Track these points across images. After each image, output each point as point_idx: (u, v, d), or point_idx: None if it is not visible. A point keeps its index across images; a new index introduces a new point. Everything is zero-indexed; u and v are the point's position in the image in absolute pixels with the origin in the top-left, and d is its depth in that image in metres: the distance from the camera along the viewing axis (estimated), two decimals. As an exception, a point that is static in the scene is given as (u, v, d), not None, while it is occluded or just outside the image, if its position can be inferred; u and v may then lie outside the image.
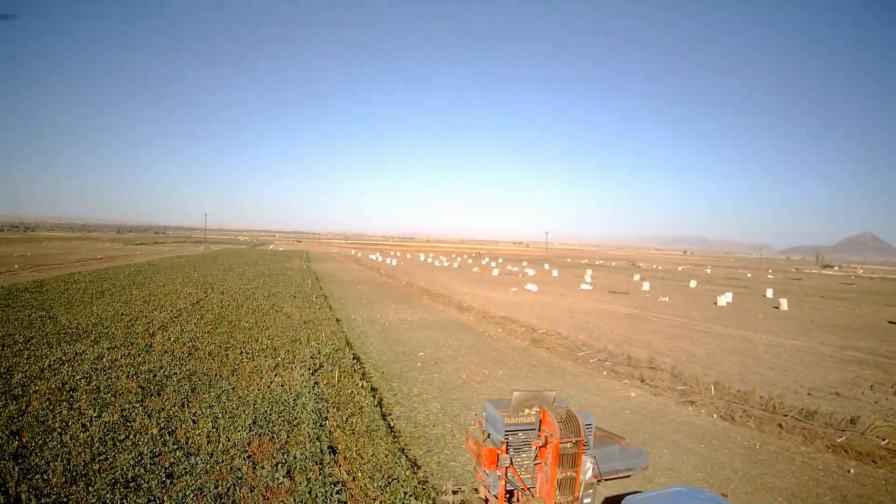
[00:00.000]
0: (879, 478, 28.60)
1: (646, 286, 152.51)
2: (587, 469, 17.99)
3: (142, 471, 22.37)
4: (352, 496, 21.92)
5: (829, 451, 32.22)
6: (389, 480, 23.37)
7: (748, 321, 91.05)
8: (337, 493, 21.61)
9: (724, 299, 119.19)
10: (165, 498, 20.30)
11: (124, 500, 19.77)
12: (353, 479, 23.34)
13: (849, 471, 29.52)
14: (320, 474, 23.23)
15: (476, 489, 19.32)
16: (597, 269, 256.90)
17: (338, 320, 69.18)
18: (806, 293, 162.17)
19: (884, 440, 32.76)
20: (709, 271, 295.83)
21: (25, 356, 39.99)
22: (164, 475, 22.12)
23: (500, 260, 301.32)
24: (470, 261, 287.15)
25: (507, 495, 18.13)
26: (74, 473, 21.66)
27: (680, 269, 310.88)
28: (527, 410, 18.77)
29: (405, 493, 22.20)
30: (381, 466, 24.90)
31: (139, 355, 42.06)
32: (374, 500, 21.69)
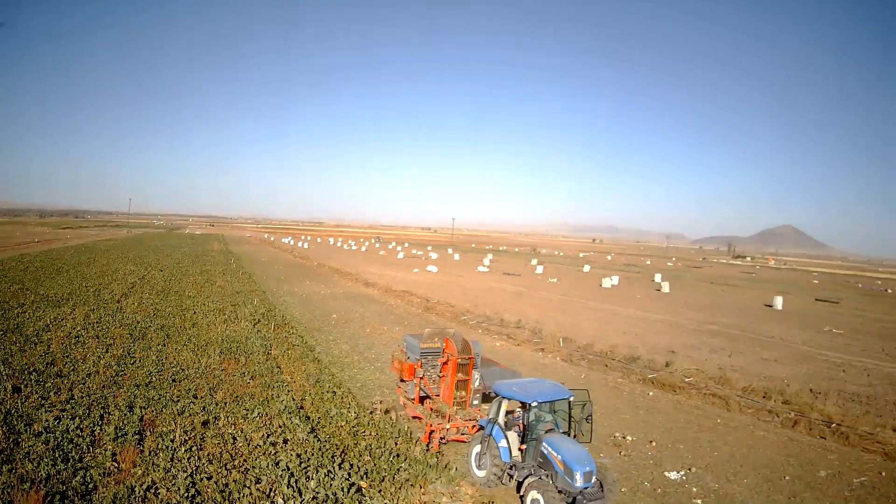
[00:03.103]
0: (672, 399, 42.36)
1: (539, 269, 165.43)
2: (476, 379, 31.00)
3: (153, 378, 34.95)
4: (294, 389, 35.49)
5: (640, 383, 46.15)
6: (317, 380, 37.64)
7: (624, 300, 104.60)
8: (286, 388, 35.13)
9: (610, 282, 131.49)
10: (175, 391, 32.75)
11: (146, 394, 31.80)
12: (294, 381, 37.35)
13: (649, 393, 43.52)
14: (273, 378, 36.85)
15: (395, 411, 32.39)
16: (498, 254, 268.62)
17: (263, 292, 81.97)
18: (697, 279, 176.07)
19: (688, 378, 46.39)
20: (610, 258, 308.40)
21: (27, 316, 50.84)
22: (170, 380, 34.85)
23: (406, 244, 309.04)
24: (378, 244, 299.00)
25: (421, 399, 31.52)
26: (108, 382, 33.89)
27: (581, 255, 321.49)
28: (436, 339, 32.02)
29: (328, 387, 36.44)
30: (310, 375, 38.97)
31: (116, 315, 53.72)
32: (308, 391, 35.21)
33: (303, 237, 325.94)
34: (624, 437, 33.16)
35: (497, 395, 26.40)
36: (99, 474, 21.80)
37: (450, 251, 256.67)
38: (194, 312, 58.09)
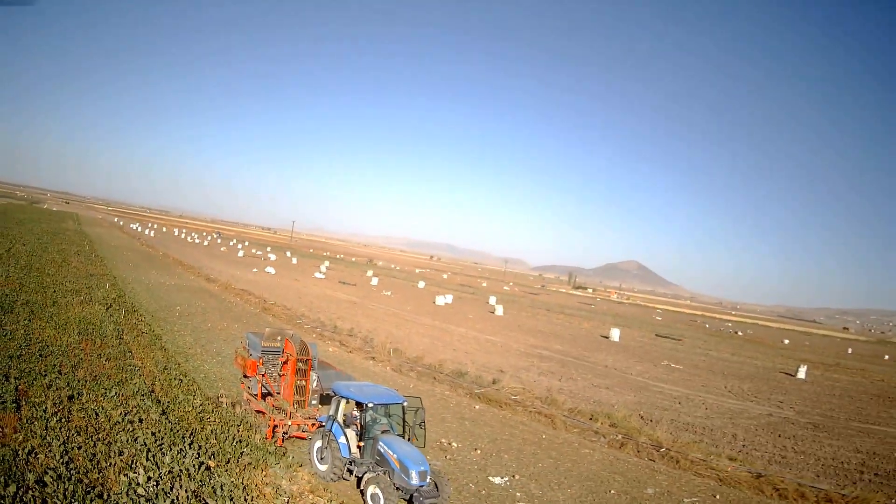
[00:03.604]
0: (497, 414, 46.44)
1: (374, 281, 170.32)
2: (314, 380, 35.14)
3: (23, 352, 38.65)
4: (145, 374, 40.14)
5: (467, 396, 50.24)
6: (164, 368, 42.70)
7: (456, 318, 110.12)
8: (138, 373, 39.87)
9: (444, 300, 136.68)
10: (42, 365, 36.66)
11: (18, 366, 35.42)
12: (145, 367, 42.07)
13: (476, 407, 47.67)
14: (126, 362, 41.57)
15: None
16: (335, 262, 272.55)
17: (114, 277, 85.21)
18: (534, 305, 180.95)
19: (515, 396, 50.70)
20: (445, 276, 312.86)
21: None
22: (38, 354, 38.77)
23: (247, 243, 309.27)
24: (219, 239, 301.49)
25: (263, 396, 35.36)
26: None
27: (417, 271, 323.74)
28: (277, 339, 36.15)
29: (175, 375, 41.43)
30: (158, 362, 43.84)
31: None
32: (157, 377, 40.03)
33: (149, 224, 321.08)
34: (450, 444, 36.20)
35: (336, 395, 29.61)
36: None
37: (288, 254, 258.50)
38: (54, 291, 61.25)
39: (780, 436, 47.81)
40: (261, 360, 34.93)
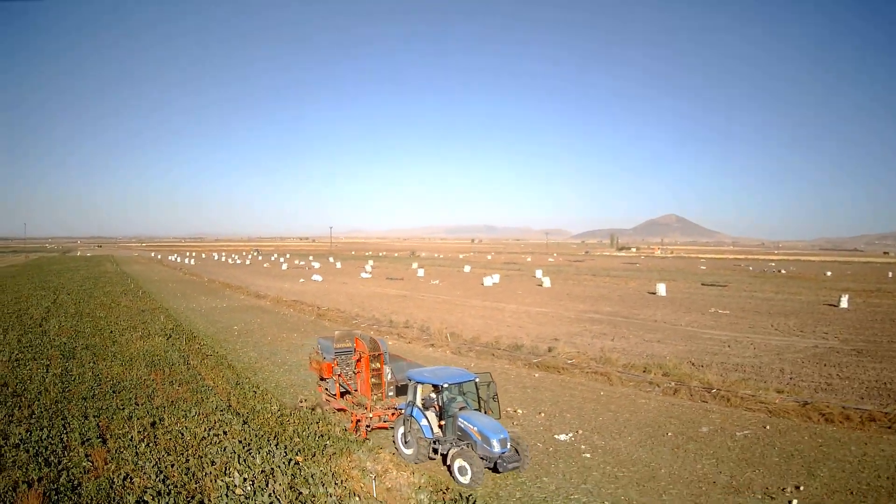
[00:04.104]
0: (556, 379, 48.03)
1: (421, 272, 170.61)
2: (387, 373, 35.92)
3: (95, 391, 40.06)
4: (219, 392, 41.37)
5: (525, 367, 51.64)
6: (236, 383, 43.82)
7: (506, 296, 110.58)
8: (213, 392, 41.12)
9: (491, 280, 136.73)
10: (117, 400, 37.89)
11: (94, 405, 36.64)
12: (217, 385, 43.22)
13: (535, 375, 49.05)
14: (198, 384, 42.79)
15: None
16: (379, 259, 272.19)
17: (166, 309, 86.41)
18: (579, 272, 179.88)
19: (570, 360, 52.11)
20: (490, 258, 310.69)
21: None
22: (111, 391, 40.06)
23: (288, 255, 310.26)
24: (259, 256, 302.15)
25: (341, 395, 36.38)
26: (58, 397, 38.66)
27: (461, 256, 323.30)
28: (347, 340, 37.11)
29: (248, 388, 42.66)
30: (229, 380, 45.04)
31: (43, 338, 57.81)
32: (231, 392, 41.17)
33: (187, 254, 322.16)
34: (515, 411, 37.55)
35: (412, 381, 30.82)
36: (79, 472, 26.01)
37: (331, 259, 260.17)
38: (111, 331, 62.59)
39: (825, 365, 48.26)
40: (335, 362, 36.14)
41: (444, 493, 26.20)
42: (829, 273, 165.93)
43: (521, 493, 26.56)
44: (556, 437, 33.91)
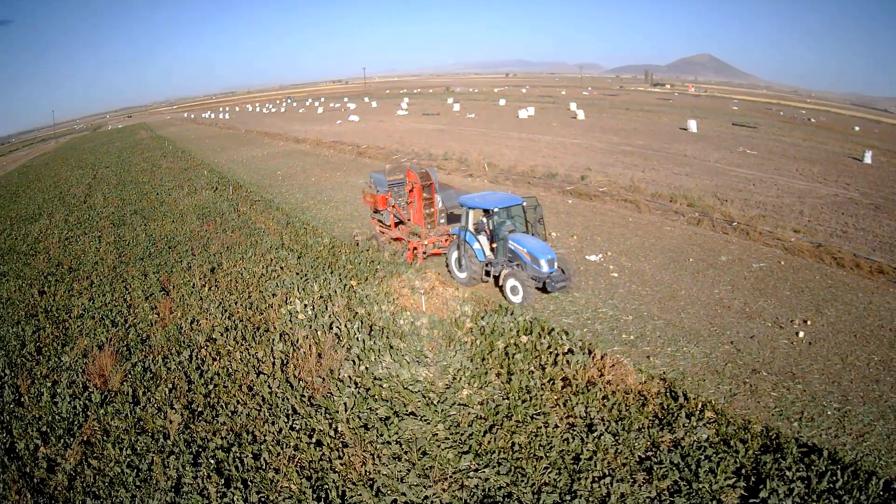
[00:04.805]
0: (588, 205, 49.64)
1: (456, 107, 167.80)
2: (439, 201, 36.90)
3: (151, 251, 41.38)
4: (271, 233, 43.12)
5: (559, 194, 53.27)
6: (287, 223, 45.54)
7: (541, 128, 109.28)
8: (265, 233, 42.86)
9: (526, 113, 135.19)
10: (174, 255, 39.58)
11: (152, 263, 38.54)
12: (268, 227, 44.99)
13: (568, 201, 50.80)
14: (250, 228, 44.53)
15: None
16: (414, 97, 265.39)
17: (208, 164, 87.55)
18: (613, 106, 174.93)
19: (602, 188, 53.56)
20: (524, 91, 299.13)
21: (12, 236, 52.64)
22: (166, 248, 41.56)
23: (322, 99, 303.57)
24: (295, 103, 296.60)
25: (395, 225, 37.55)
26: (115, 263, 40.66)
27: (496, 90, 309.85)
28: (398, 172, 38.19)
29: (299, 226, 44.28)
30: (279, 220, 46.82)
31: (90, 212, 58.32)
32: (282, 232, 42.87)
33: (221, 109, 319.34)
34: (550, 234, 37.24)
35: (464, 207, 31.91)
36: (146, 326, 27.56)
37: (366, 99, 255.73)
38: (157, 194, 63.68)
39: (843, 213, 47.81)
40: (389, 193, 37.19)
41: (484, 305, 28.23)
42: (857, 128, 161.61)
43: (555, 307, 28.57)
44: (587, 257, 36.28)
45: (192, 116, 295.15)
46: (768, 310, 28.26)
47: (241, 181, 68.73)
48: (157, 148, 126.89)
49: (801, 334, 25.27)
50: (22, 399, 22.03)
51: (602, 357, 21.81)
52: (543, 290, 29.18)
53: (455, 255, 32.15)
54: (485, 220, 31.84)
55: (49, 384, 22.53)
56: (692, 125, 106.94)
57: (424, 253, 35.32)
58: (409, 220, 36.84)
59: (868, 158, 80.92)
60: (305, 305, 27.46)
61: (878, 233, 42.84)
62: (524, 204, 31.81)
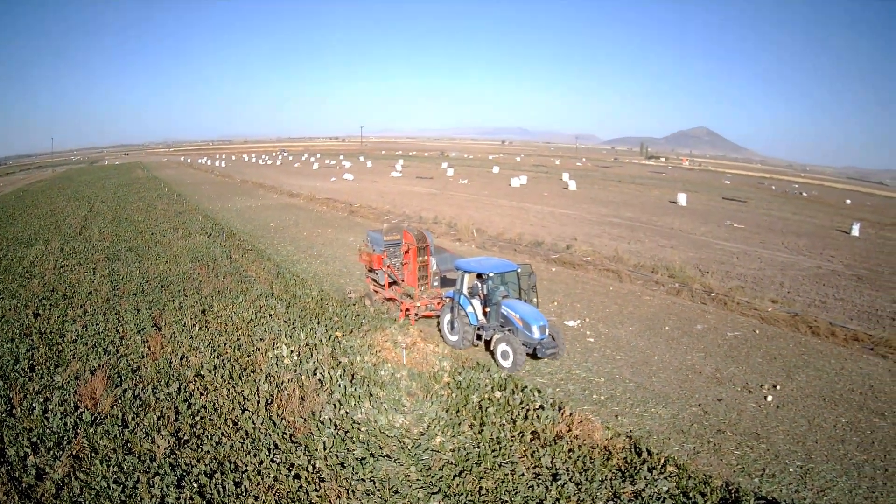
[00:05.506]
0: (571, 273, 50.96)
1: (450, 172, 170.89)
2: (433, 264, 37.84)
3: (144, 288, 42.55)
4: (262, 281, 44.22)
5: (545, 261, 54.46)
6: (277, 274, 46.74)
7: (532, 197, 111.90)
8: (256, 281, 44.06)
9: (518, 181, 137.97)
10: (167, 294, 40.58)
11: (145, 299, 39.40)
12: (259, 276, 46.09)
13: (552, 269, 52.00)
14: (242, 276, 45.67)
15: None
16: (409, 159, 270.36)
17: (202, 210, 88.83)
18: (606, 178, 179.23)
19: (586, 258, 55.03)
20: (519, 159, 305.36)
21: (8, 257, 54.23)
22: (159, 286, 42.58)
23: (318, 155, 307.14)
24: (290, 157, 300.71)
25: (390, 285, 38.32)
26: (109, 296, 41.42)
27: (490, 157, 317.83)
28: (395, 232, 38.98)
29: (289, 278, 45.44)
30: (270, 270, 48.10)
31: (85, 244, 59.60)
32: (272, 282, 43.95)
33: (217, 156, 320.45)
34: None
35: (459, 270, 32.65)
36: (138, 357, 28.37)
37: (361, 159, 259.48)
38: (152, 233, 64.87)
39: (823, 285, 49.50)
40: (385, 253, 37.59)
41: (462, 362, 29.24)
42: (848, 201, 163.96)
43: (531, 367, 29.53)
44: (565, 322, 37.07)
45: (189, 161, 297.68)
46: (739, 375, 29.42)
47: (235, 229, 70.06)
48: (153, 189, 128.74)
49: (770, 398, 26.40)
50: (14, 411, 22.94)
51: (571, 413, 22.96)
52: (534, 356, 29.63)
53: (448, 317, 32.72)
54: (479, 284, 32.61)
55: (41, 400, 23.49)
56: (682, 199, 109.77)
57: (416, 314, 35.78)
58: (403, 280, 37.48)
59: (856, 231, 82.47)
60: (291, 351, 28.58)
61: (857, 302, 44.25)
62: (519, 271, 32.61)
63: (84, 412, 22.38)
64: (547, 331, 29.67)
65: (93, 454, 19.85)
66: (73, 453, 19.93)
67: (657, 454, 20.70)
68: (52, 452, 19.92)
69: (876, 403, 26.62)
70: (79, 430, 21.21)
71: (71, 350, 29.44)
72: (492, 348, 30.63)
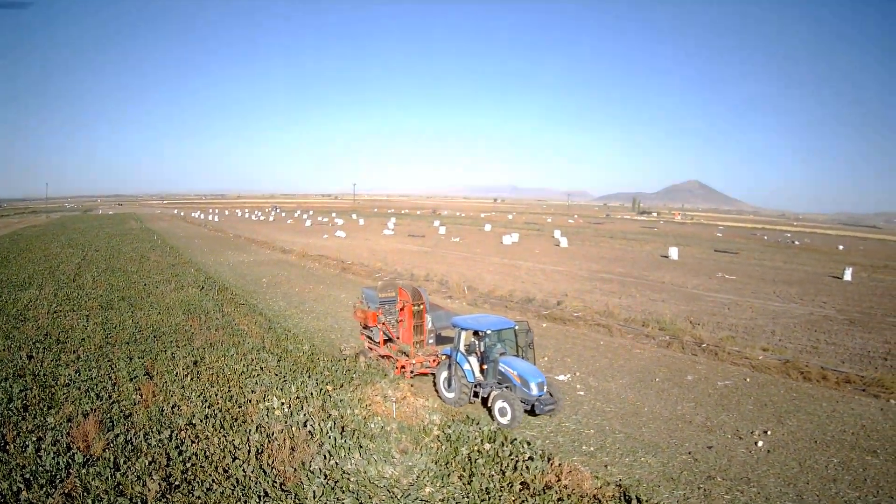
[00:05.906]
0: (561, 329, 51.45)
1: (442, 230, 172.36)
2: (428, 321, 38.12)
3: (137, 337, 42.81)
4: (253, 335, 44.32)
5: (536, 318, 54.55)
6: (269, 328, 46.95)
7: (523, 254, 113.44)
8: (247, 335, 44.17)
9: (510, 239, 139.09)
10: (159, 344, 40.74)
11: (138, 349, 39.43)
12: (251, 330, 46.18)
13: (543, 325, 52.19)
14: (234, 329, 45.81)
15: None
16: (401, 217, 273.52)
17: (195, 263, 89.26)
18: (597, 234, 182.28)
19: (577, 313, 55.57)
20: (510, 217, 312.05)
21: (2, 300, 55.76)
22: (152, 336, 42.86)
23: (311, 212, 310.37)
24: (283, 214, 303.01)
25: (384, 342, 38.40)
26: (102, 343, 41.41)
27: (482, 215, 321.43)
28: (391, 289, 39.29)
29: (280, 332, 45.71)
30: (262, 325, 48.32)
31: (79, 291, 60.14)
32: (264, 336, 44.12)
33: (210, 210, 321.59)
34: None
35: (456, 328, 32.92)
36: (130, 404, 28.78)
37: (354, 216, 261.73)
38: (145, 284, 65.25)
39: (815, 331, 50.55)
40: (380, 310, 37.94)
41: (452, 415, 29.57)
42: (841, 247, 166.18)
43: (521, 419, 29.36)
44: (556, 377, 37.31)
45: (182, 214, 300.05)
46: (729, 423, 29.85)
47: (227, 283, 70.47)
48: (147, 240, 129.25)
49: (760, 443, 26.83)
50: (7, 447, 23.26)
51: (560, 464, 23.22)
52: (532, 412, 29.69)
53: (444, 374, 32.76)
54: (476, 341, 32.60)
55: (34, 439, 23.83)
56: (673, 253, 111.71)
57: (412, 372, 35.74)
58: (398, 338, 37.45)
59: (848, 275, 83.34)
60: (282, 403, 28.82)
61: (849, 346, 45.18)
62: (516, 328, 33.00)
63: (76, 453, 22.67)
64: (545, 387, 29.90)
65: (85, 493, 20.15)
66: (66, 492, 20.26)
67: (647, 501, 21.08)
68: (44, 489, 20.27)
69: (868, 442, 27.22)
70: (71, 470, 21.50)
71: (64, 393, 29.99)
72: (489, 405, 30.59)
